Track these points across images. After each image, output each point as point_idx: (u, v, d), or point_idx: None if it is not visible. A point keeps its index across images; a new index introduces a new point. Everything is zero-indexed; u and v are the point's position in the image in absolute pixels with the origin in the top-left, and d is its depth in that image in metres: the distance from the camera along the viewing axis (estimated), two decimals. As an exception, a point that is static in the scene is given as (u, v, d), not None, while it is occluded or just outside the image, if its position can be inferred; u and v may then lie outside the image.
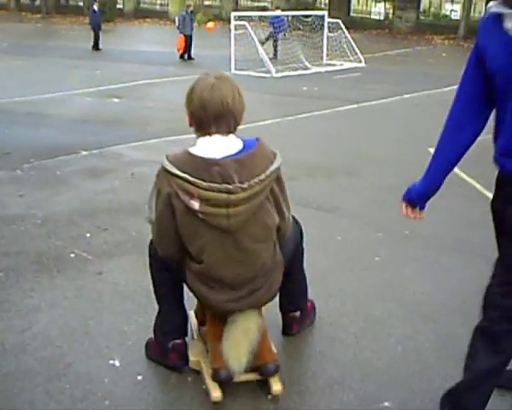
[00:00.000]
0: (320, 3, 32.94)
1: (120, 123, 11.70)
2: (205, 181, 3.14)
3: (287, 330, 4.19)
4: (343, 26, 21.15)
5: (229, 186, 3.14)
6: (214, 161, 3.17)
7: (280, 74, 17.81)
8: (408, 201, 3.33)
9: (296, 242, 3.92)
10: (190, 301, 3.97)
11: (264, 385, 3.61)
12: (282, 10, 26.56)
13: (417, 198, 3.28)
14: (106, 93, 15.15)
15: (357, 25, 27.95)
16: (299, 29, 21.80)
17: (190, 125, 3.38)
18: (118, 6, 38.25)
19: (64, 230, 6.10)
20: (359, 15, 32.99)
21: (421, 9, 31.72)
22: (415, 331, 4.38)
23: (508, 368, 3.17)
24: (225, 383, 3.48)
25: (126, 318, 4.52)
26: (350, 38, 21.07)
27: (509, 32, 2.52)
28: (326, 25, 21.02)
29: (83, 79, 17.50)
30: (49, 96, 14.69)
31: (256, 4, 36.00)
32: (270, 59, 19.38)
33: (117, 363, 3.93)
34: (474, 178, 7.85)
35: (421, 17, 31.32)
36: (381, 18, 32.95)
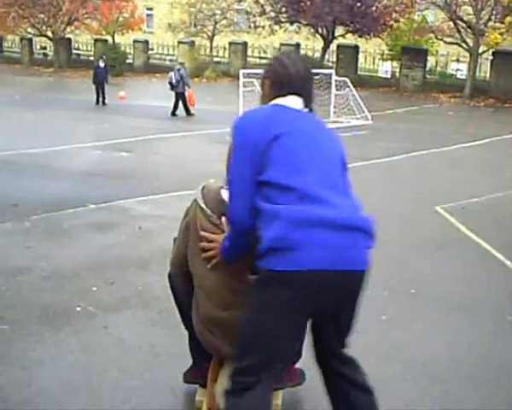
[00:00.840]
0: (328, 61, 33.36)
1: (128, 177, 11.76)
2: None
3: None
4: (350, 84, 21.40)
5: None
6: None
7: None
8: None
9: None
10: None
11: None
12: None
13: None
14: (114, 147, 15.27)
15: (364, 83, 28.26)
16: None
17: None
18: (128, 61, 38.85)
19: (70, 283, 6.10)
20: (366, 74, 33.37)
21: (428, 68, 32.10)
22: (423, 394, 4.32)
23: None
24: None
25: (131, 373, 4.48)
26: (357, 96, 21.31)
27: None
28: (333, 82, 21.28)
29: (91, 133, 17.69)
30: (57, 149, 14.81)
31: (264, 62, 36.55)
32: None
33: (120, 421, 3.89)
34: (480, 236, 7.83)
35: (428, 76, 31.66)
36: (388, 76, 33.30)
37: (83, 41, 44.48)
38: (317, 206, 2.89)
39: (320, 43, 32.81)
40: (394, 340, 5.10)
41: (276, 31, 32.99)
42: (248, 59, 36.55)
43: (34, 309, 5.47)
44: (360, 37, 31.52)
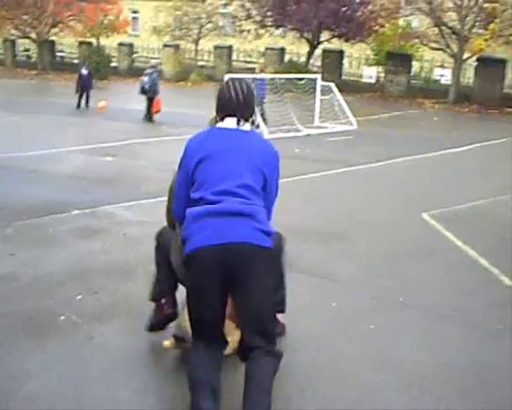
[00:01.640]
0: (312, 66, 33.39)
1: (113, 182, 11.68)
2: None
3: None
4: (336, 90, 21.40)
5: None
6: None
7: (272, 136, 17.88)
8: None
9: None
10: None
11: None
12: (276, 72, 26.94)
13: None
14: (99, 151, 15.16)
15: (348, 87, 28.27)
16: (292, 91, 22.03)
17: None
18: (113, 64, 38.69)
19: (55, 291, 6.03)
20: (351, 78, 33.44)
21: (413, 73, 32.22)
22: (412, 403, 4.31)
23: None
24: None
25: (117, 383, 4.44)
26: (342, 101, 21.32)
27: None
28: (319, 88, 21.27)
29: (76, 136, 17.57)
30: (42, 153, 14.68)
31: (249, 66, 36.54)
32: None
33: (107, 433, 3.84)
34: (467, 244, 7.85)
35: (412, 81, 31.78)
36: (373, 81, 33.39)
37: (67, 43, 44.20)
38: (209, 205, 3.83)
39: (305, 48, 32.85)
40: (383, 349, 5.08)
41: (262, 35, 32.98)
42: (233, 63, 36.51)
43: (19, 318, 5.39)
44: (346, 41, 31.59)
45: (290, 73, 25.60)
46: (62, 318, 5.42)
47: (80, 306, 5.70)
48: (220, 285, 3.80)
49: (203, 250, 3.75)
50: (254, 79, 21.50)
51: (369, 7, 30.74)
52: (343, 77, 32.71)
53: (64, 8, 39.25)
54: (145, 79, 21.53)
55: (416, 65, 32.58)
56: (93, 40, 39.82)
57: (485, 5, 28.12)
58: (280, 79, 22.09)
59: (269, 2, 31.56)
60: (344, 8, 30.40)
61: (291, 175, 12.46)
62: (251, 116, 4.20)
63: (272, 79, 21.87)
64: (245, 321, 3.91)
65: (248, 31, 33.01)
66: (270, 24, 32.48)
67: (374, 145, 17.19)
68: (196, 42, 36.52)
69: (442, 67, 32.66)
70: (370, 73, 34.13)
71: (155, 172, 12.62)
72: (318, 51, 33.28)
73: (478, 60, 28.96)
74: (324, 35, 32.03)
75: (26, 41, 43.49)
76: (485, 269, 7.01)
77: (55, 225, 8.39)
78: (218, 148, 4.00)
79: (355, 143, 17.85)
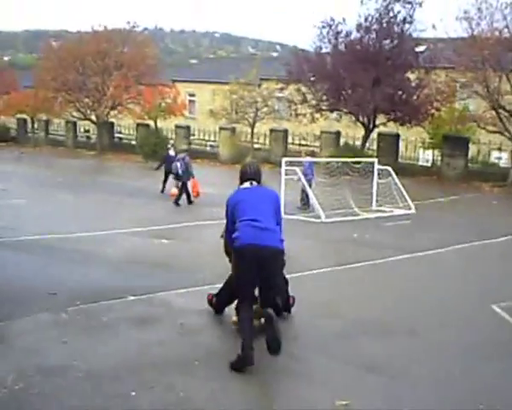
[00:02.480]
0: (368, 149, 33.23)
1: (169, 266, 11.48)
2: None
3: None
4: (393, 173, 21.12)
5: None
6: None
7: (329, 220, 17.63)
8: None
9: None
10: None
11: None
12: (330, 156, 26.81)
13: None
14: (154, 233, 15.10)
15: (404, 171, 27.91)
16: (348, 175, 21.85)
17: None
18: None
19: (108, 386, 5.74)
20: (407, 162, 33.11)
21: (470, 156, 31.73)
22: None
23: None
24: None
25: None
26: (400, 185, 20.99)
27: None
28: (376, 171, 21.04)
29: (132, 218, 17.59)
30: (98, 234, 14.70)
31: (305, 149, 36.60)
32: (299, 207, 19.38)
33: None
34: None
35: (470, 164, 31.27)
36: (429, 164, 32.99)
37: (125, 125, 45.26)
38: (250, 222, 6.78)
39: (361, 131, 32.76)
40: None
41: (318, 119, 33.07)
42: (289, 146, 36.63)
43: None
44: (401, 125, 31.39)
45: (346, 156, 25.45)
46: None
47: (134, 404, 5.39)
48: (256, 267, 6.70)
49: (248, 245, 6.73)
50: (310, 162, 21.48)
51: (425, 91, 30.58)
52: (399, 160, 32.41)
53: (123, 91, 40.37)
54: (178, 164, 21.26)
55: (472, 148, 32.12)
56: (150, 122, 40.61)
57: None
58: (336, 162, 21.95)
59: (324, 86, 31.73)
60: (400, 93, 30.32)
61: (350, 262, 12.12)
62: (258, 181, 7.37)
63: (328, 163, 21.75)
64: (265, 296, 6.93)
65: (304, 114, 33.15)
66: (325, 108, 32.59)
67: (433, 231, 16.71)
68: (252, 125, 36.84)
69: (500, 149, 32.11)
70: (426, 157, 33.77)
71: (210, 256, 12.36)
72: (374, 134, 33.16)
73: (538, 143, 28.39)
74: (380, 118, 31.93)
75: (86, 122, 44.75)
76: None
77: (110, 312, 8.18)
78: (244, 197, 7.17)
79: (414, 228, 17.41)
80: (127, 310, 8.36)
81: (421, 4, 29.87)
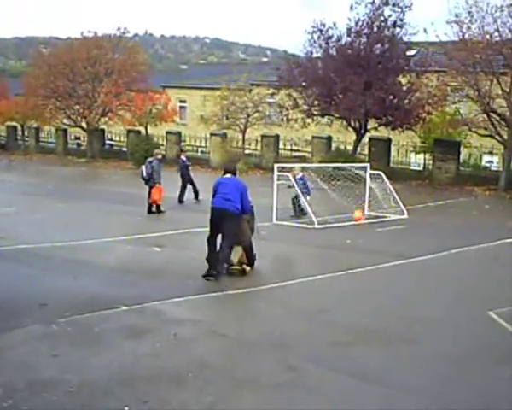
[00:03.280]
0: (360, 154, 33.18)
1: (162, 274, 11.35)
2: None
3: None
4: (385, 178, 21.04)
5: None
6: None
7: (322, 225, 17.53)
8: None
9: None
10: None
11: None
12: (322, 161, 26.68)
13: None
14: (146, 241, 14.97)
15: (396, 175, 27.88)
16: (340, 180, 21.74)
17: None
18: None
19: (100, 401, 5.60)
20: (399, 166, 33.10)
21: (461, 160, 31.72)
22: None
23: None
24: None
25: None
26: (392, 190, 20.91)
27: None
28: (368, 176, 20.96)
29: (123, 226, 17.43)
30: (89, 243, 14.54)
31: (296, 154, 36.53)
32: (292, 216, 19.22)
33: None
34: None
35: (461, 168, 31.26)
36: (421, 169, 32.98)
37: (116, 131, 45.10)
38: (221, 195, 11.44)
39: (352, 136, 32.71)
40: None
41: (309, 124, 33.00)
42: (280, 151, 36.57)
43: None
44: (393, 129, 31.35)
45: (337, 161, 25.38)
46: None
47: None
48: (217, 222, 11.22)
49: (216, 207, 11.29)
50: (303, 167, 21.40)
51: (417, 94, 30.57)
52: (391, 165, 32.38)
53: (114, 97, 40.20)
54: (143, 167, 20.40)
55: (464, 151, 32.12)
56: (141, 128, 40.45)
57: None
58: (328, 167, 21.87)
59: (315, 91, 31.68)
60: (391, 97, 30.30)
61: (344, 268, 12.01)
62: (234, 174, 11.98)
63: (320, 168, 21.66)
64: (223, 240, 11.34)
65: (295, 120, 33.08)
66: (316, 113, 32.53)
67: (426, 235, 16.63)
68: (243, 130, 36.76)
69: (491, 153, 32.14)
70: (418, 161, 33.77)
71: (202, 264, 12.26)
72: (365, 139, 33.14)
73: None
74: (371, 123, 31.90)
75: (77, 129, 44.56)
76: None
77: (102, 323, 8.04)
78: (222, 181, 11.68)
79: (406, 233, 17.35)
80: (120, 320, 8.22)
81: (410, 7, 29.90)
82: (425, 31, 29.59)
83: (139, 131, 40.62)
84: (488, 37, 27.02)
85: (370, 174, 21.37)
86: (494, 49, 26.94)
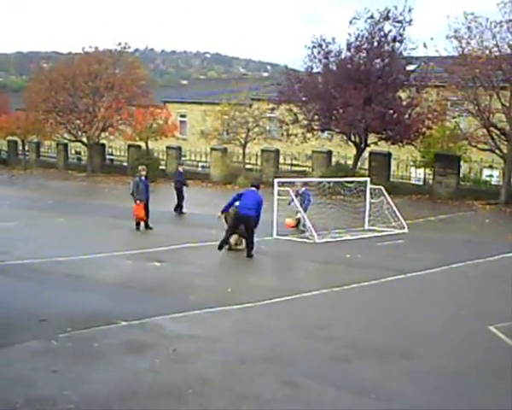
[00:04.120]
0: (360, 168, 33.20)
1: (161, 290, 11.34)
2: None
3: None
4: (386, 193, 21.06)
5: None
6: None
7: (322, 240, 17.53)
8: None
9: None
10: None
11: None
12: (322, 176, 26.66)
13: None
14: (146, 256, 14.95)
15: (396, 190, 27.92)
16: (341, 194, 21.80)
17: None
18: (161, 167, 39.13)
19: (99, 418, 5.58)
20: (399, 180, 33.13)
21: (461, 175, 31.73)
22: None
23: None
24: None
25: None
26: (392, 204, 20.91)
27: None
28: (368, 191, 20.98)
29: (123, 240, 17.45)
30: (89, 258, 14.52)
31: (296, 169, 36.58)
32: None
33: None
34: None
35: (462, 182, 31.28)
36: (421, 183, 33.01)
37: (116, 146, 45.15)
38: (244, 204, 16.03)
39: (352, 151, 32.75)
40: None
41: (309, 138, 33.04)
42: (280, 166, 36.61)
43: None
44: (393, 144, 31.38)
45: (337, 175, 25.43)
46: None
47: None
48: (240, 222, 16.06)
49: (241, 212, 15.93)
50: (304, 182, 21.41)
51: (417, 109, 30.63)
52: (391, 179, 32.42)
53: (114, 112, 40.29)
54: (131, 182, 20.46)
55: (464, 166, 32.15)
56: (142, 143, 40.49)
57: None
58: (328, 182, 21.89)
59: (315, 106, 31.74)
60: (391, 111, 30.34)
61: (344, 283, 12.01)
62: (258, 188, 16.62)
63: (320, 183, 21.67)
64: (245, 233, 16.12)
65: (295, 134, 33.12)
66: (317, 128, 32.58)
67: (427, 250, 16.64)
68: (244, 145, 36.80)
69: (491, 167, 32.16)
70: (418, 175, 33.79)
71: (202, 278, 12.29)
72: (366, 154, 33.17)
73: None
74: (371, 138, 31.94)
75: (78, 144, 44.63)
76: None
77: (101, 339, 8.02)
78: (247, 192, 16.52)
79: (406, 248, 17.35)
80: (119, 336, 8.21)
81: (410, 23, 29.99)
82: (425, 46, 29.62)
83: (140, 146, 40.70)
84: (487, 52, 27.13)
85: (371, 189, 21.40)
86: (493, 65, 27.04)
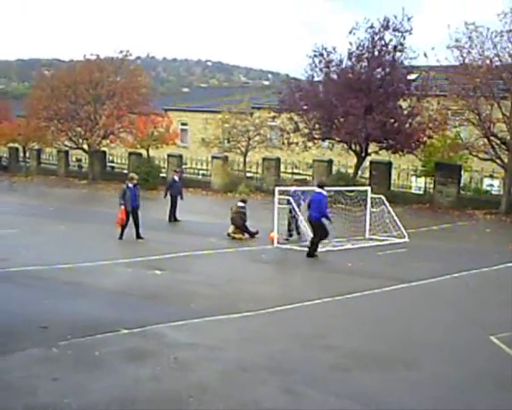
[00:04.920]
0: (360, 177, 33.22)
1: (162, 298, 11.33)
2: None
3: None
4: (386, 202, 21.05)
5: None
6: None
7: (323, 249, 17.51)
8: None
9: None
10: None
11: None
12: (320, 186, 26.65)
13: None
14: (147, 264, 14.94)
15: (397, 199, 27.91)
16: (341, 203, 21.79)
17: None
18: (162, 175, 39.14)
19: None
20: (399, 190, 33.13)
21: (462, 184, 31.75)
22: None
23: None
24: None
25: None
26: (393, 213, 20.91)
27: None
28: (369, 200, 20.98)
29: (123, 248, 17.44)
30: (89, 265, 14.52)
31: (297, 177, 36.58)
32: (286, 239, 19.24)
33: None
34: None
35: (462, 192, 31.28)
36: (422, 192, 33.02)
37: (117, 154, 45.20)
38: (310, 210, 17.29)
39: (353, 159, 32.79)
40: None
41: (310, 147, 33.08)
42: (281, 174, 36.63)
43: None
44: (393, 153, 31.42)
45: (338, 184, 25.45)
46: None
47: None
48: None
49: (310, 216, 17.18)
50: (303, 191, 21.41)
51: (417, 118, 30.68)
52: (392, 188, 32.42)
53: (115, 120, 40.40)
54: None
55: (465, 175, 32.17)
56: (143, 151, 40.55)
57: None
58: (329, 190, 21.90)
59: (316, 115, 31.80)
60: (392, 121, 30.39)
61: (345, 292, 12.01)
62: (322, 187, 17.63)
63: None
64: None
65: (296, 143, 33.16)
66: (317, 136, 32.62)
67: (428, 259, 16.63)
68: (244, 154, 36.84)
69: (492, 177, 32.18)
70: (419, 185, 33.83)
71: (203, 287, 12.28)
72: (366, 163, 33.19)
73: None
74: (372, 147, 31.98)
75: (79, 151, 44.70)
76: None
77: (102, 347, 8.01)
78: (312, 199, 17.25)
79: (407, 257, 17.34)
80: (120, 344, 8.20)
81: (410, 32, 30.06)
82: (425, 55, 29.59)
83: (141, 154, 40.75)
84: (488, 61, 27.19)
85: (371, 198, 21.40)
86: (494, 74, 27.11)
